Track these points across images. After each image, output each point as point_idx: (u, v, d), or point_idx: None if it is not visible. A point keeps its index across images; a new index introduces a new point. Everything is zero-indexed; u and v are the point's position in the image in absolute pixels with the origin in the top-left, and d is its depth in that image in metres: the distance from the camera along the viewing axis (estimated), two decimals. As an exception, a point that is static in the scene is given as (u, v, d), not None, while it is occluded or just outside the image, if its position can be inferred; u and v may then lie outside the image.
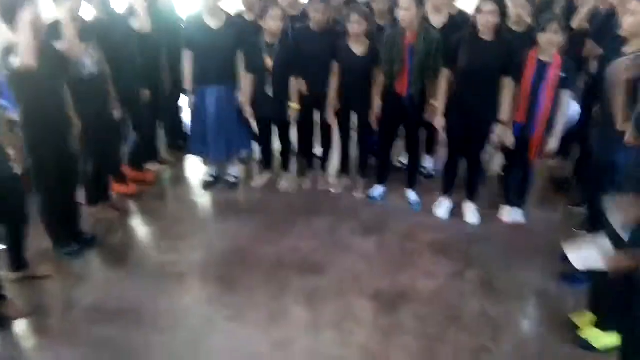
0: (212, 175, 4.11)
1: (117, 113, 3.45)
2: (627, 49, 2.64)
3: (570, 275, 2.82)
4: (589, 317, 2.52)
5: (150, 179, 4.11)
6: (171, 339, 2.52)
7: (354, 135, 3.94)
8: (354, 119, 3.81)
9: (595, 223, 2.72)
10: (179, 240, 3.36)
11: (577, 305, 2.66)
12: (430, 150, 4.28)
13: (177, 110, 4.59)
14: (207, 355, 2.44)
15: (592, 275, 2.47)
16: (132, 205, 3.77)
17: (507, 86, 3.18)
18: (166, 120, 4.45)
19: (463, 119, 3.33)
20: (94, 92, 3.21)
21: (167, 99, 4.24)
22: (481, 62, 3.14)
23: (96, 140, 3.27)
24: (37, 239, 3.02)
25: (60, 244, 3.12)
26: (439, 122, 3.40)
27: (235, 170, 4.14)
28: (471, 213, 3.63)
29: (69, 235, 3.16)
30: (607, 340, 2.40)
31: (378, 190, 3.89)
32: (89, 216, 3.47)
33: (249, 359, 2.43)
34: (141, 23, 3.58)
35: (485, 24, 3.08)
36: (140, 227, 3.61)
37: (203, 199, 3.94)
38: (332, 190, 3.97)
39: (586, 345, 2.44)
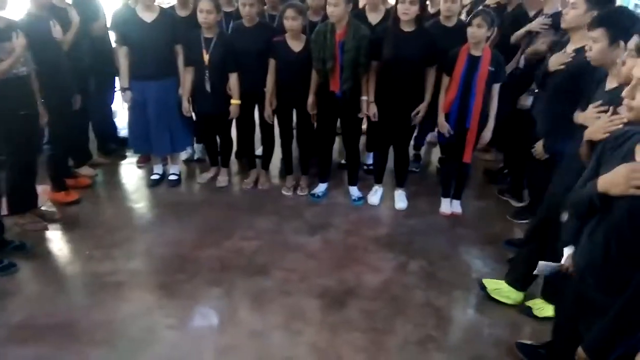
0: (157, 174, 4.01)
1: (43, 119, 3.22)
2: (569, 46, 2.62)
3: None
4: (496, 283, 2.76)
5: (85, 185, 3.90)
6: (109, 354, 2.37)
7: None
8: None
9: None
10: (115, 248, 3.18)
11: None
12: (371, 146, 4.30)
13: (107, 112, 4.37)
14: (149, 368, 2.32)
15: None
16: (63, 213, 3.52)
17: (430, 76, 3.32)
18: (96, 123, 4.24)
19: (388, 109, 3.40)
20: (21, 94, 2.97)
21: (95, 102, 4.02)
22: (401, 53, 3.19)
23: (20, 145, 3.04)
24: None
25: None
26: (372, 109, 3.43)
27: (176, 169, 4.06)
28: (400, 199, 3.75)
29: None
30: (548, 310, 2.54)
31: (320, 188, 3.88)
32: (14, 226, 3.23)
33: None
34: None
35: (404, 14, 3.12)
36: (72, 235, 3.36)
37: (140, 204, 3.77)
38: (283, 192, 3.89)
39: (528, 313, 2.64)
